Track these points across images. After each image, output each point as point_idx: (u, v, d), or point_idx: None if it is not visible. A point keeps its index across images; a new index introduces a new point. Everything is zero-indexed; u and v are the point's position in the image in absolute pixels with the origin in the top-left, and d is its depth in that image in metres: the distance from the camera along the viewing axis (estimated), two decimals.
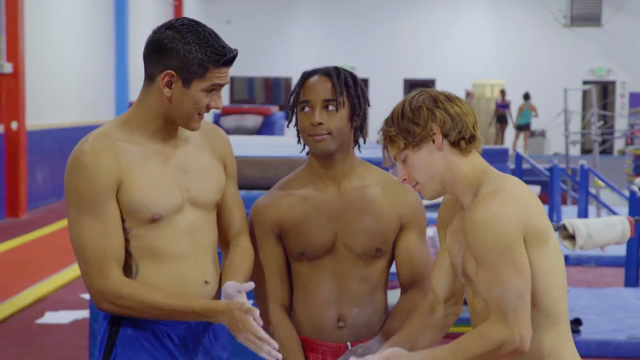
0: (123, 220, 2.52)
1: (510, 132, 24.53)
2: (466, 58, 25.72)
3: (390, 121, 2.46)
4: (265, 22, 25.67)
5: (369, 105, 2.81)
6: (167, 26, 2.54)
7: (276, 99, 26.76)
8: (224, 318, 2.47)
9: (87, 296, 7.78)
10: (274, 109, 22.11)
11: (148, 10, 21.66)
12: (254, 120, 20.85)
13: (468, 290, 2.49)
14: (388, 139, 2.46)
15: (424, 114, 2.42)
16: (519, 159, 12.41)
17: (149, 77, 2.57)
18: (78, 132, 16.34)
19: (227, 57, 2.50)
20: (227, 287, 2.53)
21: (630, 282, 8.05)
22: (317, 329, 2.76)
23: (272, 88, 26.91)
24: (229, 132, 20.37)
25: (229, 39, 3.12)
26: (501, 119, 24.07)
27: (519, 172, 12.07)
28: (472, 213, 2.34)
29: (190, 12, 24.58)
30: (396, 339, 2.58)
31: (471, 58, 25.72)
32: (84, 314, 7.29)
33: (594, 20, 25.37)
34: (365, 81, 24.91)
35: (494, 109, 24.40)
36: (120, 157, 2.51)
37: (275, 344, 2.44)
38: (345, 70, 2.79)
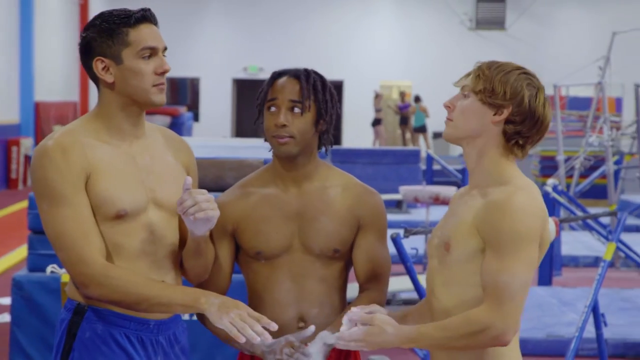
0: None
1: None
2: (374, 59, 25.93)
3: (495, 66, 2.44)
4: (173, 22, 25.43)
5: (338, 110, 2.82)
6: (83, 30, 2.61)
7: (183, 99, 26.57)
8: (212, 303, 2.48)
9: (4, 300, 7.62)
10: (182, 110, 21.97)
11: (54, 9, 21.29)
12: (162, 121, 20.70)
13: (435, 263, 2.51)
14: (478, 72, 2.44)
15: (516, 92, 2.41)
16: (430, 160, 12.56)
17: (94, 80, 2.63)
18: None
19: (137, 14, 2.56)
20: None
21: (544, 280, 8.24)
22: (279, 329, 2.74)
23: (179, 88, 26.70)
24: None
25: None
26: (404, 121, 24.32)
27: (430, 174, 12.20)
28: (503, 197, 2.35)
29: (96, 10, 24.20)
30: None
31: (379, 59, 25.93)
32: (1, 318, 7.13)
33: (498, 24, 25.84)
34: None
35: (394, 110, 24.60)
36: (86, 153, 2.53)
37: (273, 324, 2.47)
38: (316, 74, 2.81)
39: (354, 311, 2.45)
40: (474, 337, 2.32)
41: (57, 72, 21.27)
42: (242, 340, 2.42)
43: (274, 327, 2.46)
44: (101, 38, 2.55)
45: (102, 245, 2.52)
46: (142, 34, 2.56)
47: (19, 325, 5.06)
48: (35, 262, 5.15)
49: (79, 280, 2.50)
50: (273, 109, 2.76)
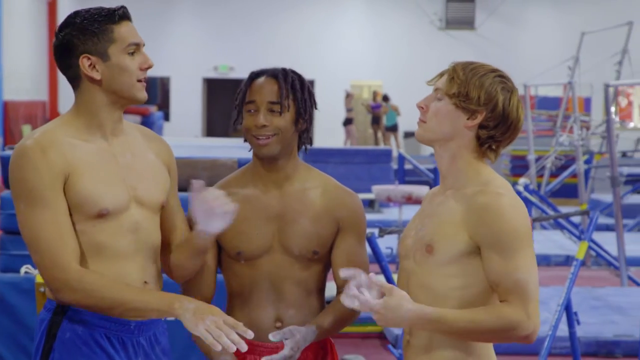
0: (70, 215, 2.51)
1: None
2: (345, 59, 25.94)
3: (469, 69, 2.41)
4: (143, 21, 25.26)
5: (316, 109, 2.82)
6: (59, 30, 2.60)
7: (153, 98, 26.43)
8: (186, 309, 2.45)
9: None
10: (153, 109, 21.85)
11: (22, 7, 21.10)
12: (132, 120, 20.31)
13: (411, 264, 2.48)
14: (452, 75, 2.42)
15: (491, 97, 2.39)
16: (401, 159, 12.58)
17: (74, 79, 2.61)
18: None
19: (119, 11, 2.58)
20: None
21: None
22: (255, 330, 2.73)
23: (149, 87, 26.44)
24: None
25: None
26: (376, 120, 24.34)
27: (402, 173, 12.21)
28: (491, 199, 2.35)
29: (65, 9, 24.06)
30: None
31: (350, 59, 25.94)
32: None
33: (467, 23, 25.93)
34: None
35: (367, 108, 24.62)
36: (66, 152, 2.51)
37: (249, 332, 2.42)
38: (294, 73, 2.81)
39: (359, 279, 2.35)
40: (503, 334, 2.32)
41: (26, 71, 21.09)
42: (218, 348, 2.39)
43: (250, 334, 2.43)
44: (85, 36, 2.55)
45: (77, 250, 2.50)
46: (125, 31, 2.59)
47: None
48: (7, 263, 5.11)
49: (53, 285, 2.48)
50: (252, 110, 2.76)
